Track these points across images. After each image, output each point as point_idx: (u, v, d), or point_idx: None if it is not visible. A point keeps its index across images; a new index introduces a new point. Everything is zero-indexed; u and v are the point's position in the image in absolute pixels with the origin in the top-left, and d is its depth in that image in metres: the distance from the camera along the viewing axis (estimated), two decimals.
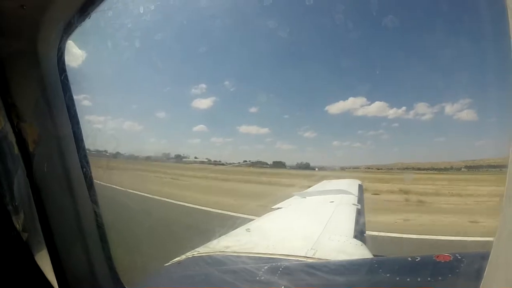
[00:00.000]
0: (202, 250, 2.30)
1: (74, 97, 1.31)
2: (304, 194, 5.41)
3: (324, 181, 7.33)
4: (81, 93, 1.49)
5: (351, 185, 6.00)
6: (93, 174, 1.37)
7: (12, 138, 1.17)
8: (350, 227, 3.04)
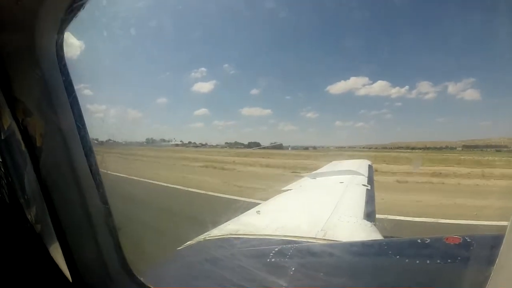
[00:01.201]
0: (213, 233, 2.34)
1: (76, 88, 1.30)
2: (314, 175, 5.41)
3: (334, 161, 7.29)
4: (83, 83, 1.48)
5: (361, 165, 5.95)
6: (99, 164, 1.38)
7: (18, 135, 1.18)
8: (360, 208, 3.04)
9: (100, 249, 1.36)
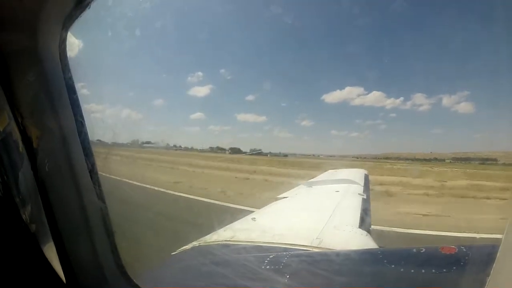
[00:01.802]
0: (208, 240, 2.33)
1: (76, 89, 1.31)
2: (309, 183, 5.41)
3: (330, 170, 7.30)
4: (83, 85, 1.49)
5: (357, 174, 5.97)
6: (97, 166, 1.38)
7: (17, 134, 1.18)
8: (356, 217, 3.04)
9: (96, 250, 1.35)
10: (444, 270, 1.39)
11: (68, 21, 1.22)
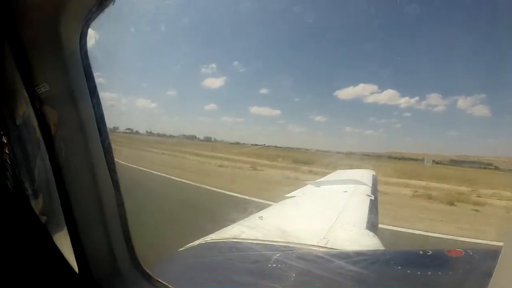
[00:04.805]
0: (215, 237, 2.35)
1: (95, 79, 1.32)
2: (317, 183, 5.40)
3: (338, 170, 7.26)
4: (102, 75, 1.50)
5: (365, 175, 5.92)
6: (115, 155, 1.39)
7: (34, 121, 1.21)
8: (363, 218, 3.03)
9: (110, 241, 1.37)
10: (450, 273, 1.39)
11: (90, 12, 1.23)
